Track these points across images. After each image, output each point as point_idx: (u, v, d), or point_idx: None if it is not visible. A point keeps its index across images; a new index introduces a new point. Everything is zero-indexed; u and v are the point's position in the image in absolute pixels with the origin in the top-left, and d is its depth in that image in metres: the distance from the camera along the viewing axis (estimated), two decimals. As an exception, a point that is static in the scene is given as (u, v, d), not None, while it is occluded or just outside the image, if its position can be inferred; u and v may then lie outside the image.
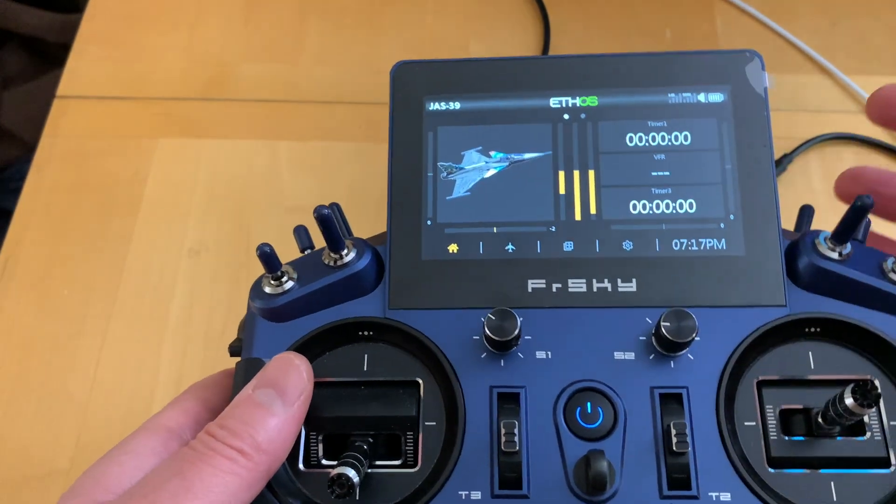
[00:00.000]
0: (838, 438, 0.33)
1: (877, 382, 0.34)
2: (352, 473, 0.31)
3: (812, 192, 0.61)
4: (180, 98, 0.67)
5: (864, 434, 0.33)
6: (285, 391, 0.32)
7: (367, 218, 0.61)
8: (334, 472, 0.31)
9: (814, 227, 0.42)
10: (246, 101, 0.67)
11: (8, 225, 0.60)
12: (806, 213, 0.42)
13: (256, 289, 0.37)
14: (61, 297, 0.58)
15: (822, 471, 0.33)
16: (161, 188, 0.63)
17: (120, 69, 0.68)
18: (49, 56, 0.93)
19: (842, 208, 0.42)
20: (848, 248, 0.34)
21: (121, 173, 0.63)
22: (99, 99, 0.67)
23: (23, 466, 0.53)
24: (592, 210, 0.36)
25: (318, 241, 0.39)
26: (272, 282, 0.36)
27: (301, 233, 0.40)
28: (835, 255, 0.34)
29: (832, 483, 0.33)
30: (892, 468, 0.33)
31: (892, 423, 0.33)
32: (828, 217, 0.59)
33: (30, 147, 0.84)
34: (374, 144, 0.65)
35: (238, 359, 0.37)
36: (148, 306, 0.58)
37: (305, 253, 0.39)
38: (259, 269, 0.60)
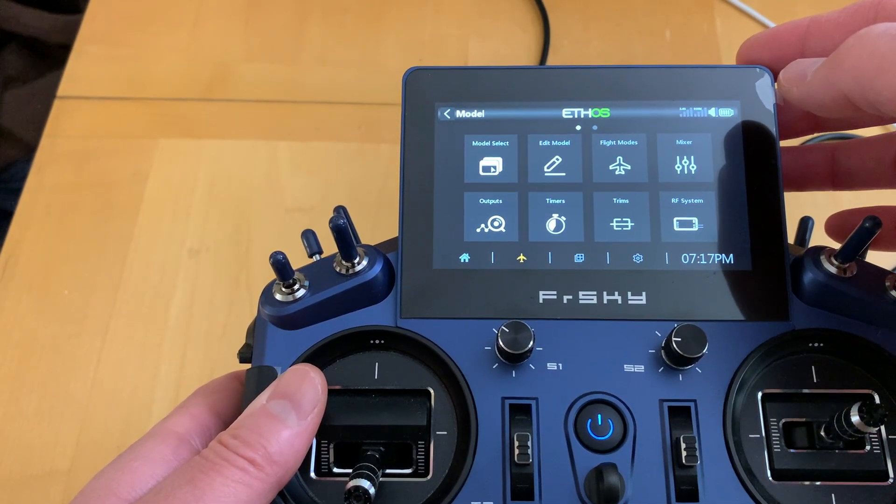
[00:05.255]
0: (839, 451, 0.34)
1: (876, 397, 0.35)
2: (367, 485, 0.31)
3: (811, 192, 0.61)
4: (180, 98, 0.67)
5: (863, 447, 0.34)
6: (300, 403, 0.32)
7: (367, 218, 0.61)
8: (350, 484, 0.31)
9: (814, 220, 0.43)
10: (246, 101, 0.67)
11: (8, 225, 0.60)
12: (806, 225, 0.43)
13: (267, 295, 0.37)
14: (61, 297, 0.58)
15: (823, 483, 0.33)
16: (161, 188, 0.63)
17: (120, 69, 0.68)
18: (49, 57, 0.93)
19: (843, 206, 0.43)
20: (851, 265, 0.35)
21: (121, 173, 0.63)
22: (99, 99, 0.67)
23: (23, 466, 0.53)
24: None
25: (326, 244, 0.39)
26: (284, 289, 0.36)
27: (310, 237, 0.40)
28: (839, 272, 0.35)
29: (833, 495, 0.33)
30: (891, 480, 0.34)
31: (890, 437, 0.34)
32: (827, 215, 0.60)
33: (30, 147, 0.84)
34: (374, 145, 0.65)
35: (247, 365, 0.38)
36: (148, 306, 0.58)
37: (314, 259, 0.39)
38: (259, 269, 0.60)
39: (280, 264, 0.35)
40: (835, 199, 0.60)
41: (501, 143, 0.38)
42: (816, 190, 0.44)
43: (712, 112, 0.38)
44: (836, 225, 0.44)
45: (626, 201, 0.37)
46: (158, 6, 0.72)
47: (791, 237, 0.39)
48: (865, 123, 0.43)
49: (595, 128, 0.38)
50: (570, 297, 0.36)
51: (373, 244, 0.39)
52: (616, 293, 0.36)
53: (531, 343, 0.33)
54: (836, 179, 0.43)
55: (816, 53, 0.37)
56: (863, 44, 0.30)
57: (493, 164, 0.38)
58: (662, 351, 0.34)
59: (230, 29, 0.71)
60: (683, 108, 0.38)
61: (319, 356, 0.36)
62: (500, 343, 0.33)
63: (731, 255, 0.36)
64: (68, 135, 0.65)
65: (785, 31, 0.38)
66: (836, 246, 0.35)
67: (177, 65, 0.69)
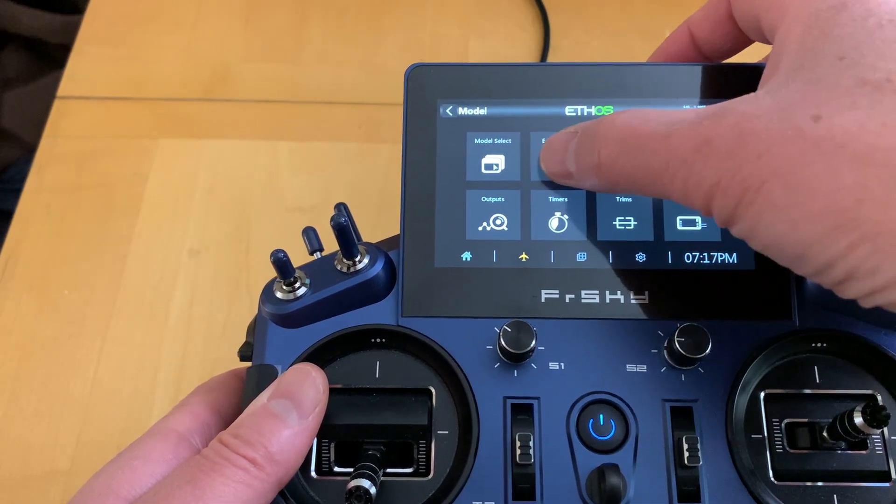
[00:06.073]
0: (841, 452, 0.34)
1: (879, 398, 0.34)
2: (368, 485, 0.31)
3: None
4: (180, 98, 0.67)
5: (865, 448, 0.34)
6: (301, 403, 0.32)
7: (367, 218, 0.61)
8: (351, 484, 0.31)
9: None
10: (246, 101, 0.67)
11: (8, 225, 0.60)
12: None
13: (268, 294, 0.37)
14: (61, 297, 0.58)
15: (825, 483, 0.33)
16: (161, 188, 0.63)
17: (120, 69, 0.68)
18: (49, 57, 0.93)
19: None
20: None
21: (121, 173, 0.63)
22: (99, 99, 0.66)
23: (23, 466, 0.52)
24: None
25: (327, 242, 0.39)
26: (285, 287, 0.36)
27: (311, 235, 0.40)
28: None
29: (835, 496, 0.33)
30: (893, 482, 0.33)
31: (893, 437, 0.34)
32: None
33: (30, 148, 0.84)
34: (374, 144, 0.65)
35: (247, 363, 0.37)
36: (148, 306, 0.58)
37: (315, 256, 0.39)
38: (259, 269, 0.60)
39: (281, 262, 0.35)
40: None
41: (504, 141, 0.38)
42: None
43: None
44: None
45: (629, 200, 0.37)
46: (158, 6, 0.72)
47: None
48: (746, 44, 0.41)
49: None
50: (573, 296, 0.36)
51: (374, 242, 0.39)
52: (618, 292, 0.36)
53: (533, 342, 0.33)
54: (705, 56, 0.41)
55: (710, 50, 0.38)
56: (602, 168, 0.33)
57: (496, 162, 0.38)
58: (665, 351, 0.34)
59: (230, 29, 0.71)
60: (687, 106, 0.38)
61: (320, 355, 0.36)
62: (502, 342, 0.33)
63: (735, 255, 0.36)
64: (68, 135, 0.65)
65: (674, 40, 0.40)
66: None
67: (177, 65, 0.69)
